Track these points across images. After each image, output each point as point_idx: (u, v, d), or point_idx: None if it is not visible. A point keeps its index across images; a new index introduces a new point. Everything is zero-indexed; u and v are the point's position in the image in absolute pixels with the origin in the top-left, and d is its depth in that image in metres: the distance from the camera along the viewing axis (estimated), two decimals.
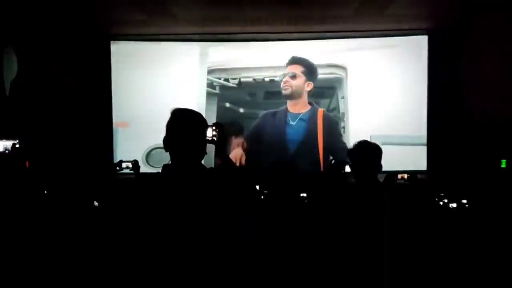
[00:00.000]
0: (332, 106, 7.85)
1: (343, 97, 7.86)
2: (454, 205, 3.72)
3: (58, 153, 5.72)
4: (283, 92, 7.69)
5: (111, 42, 6.93)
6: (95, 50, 6.75)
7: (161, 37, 6.96)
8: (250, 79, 7.86)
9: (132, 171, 3.41)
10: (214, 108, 7.72)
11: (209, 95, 7.69)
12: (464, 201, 4.14)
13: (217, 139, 1.63)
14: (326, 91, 7.89)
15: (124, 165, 3.31)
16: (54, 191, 2.93)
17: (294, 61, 7.67)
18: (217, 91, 7.78)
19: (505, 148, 6.24)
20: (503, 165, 6.54)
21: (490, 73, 6.19)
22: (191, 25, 6.66)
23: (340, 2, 5.83)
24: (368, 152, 2.14)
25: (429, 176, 6.87)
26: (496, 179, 6.04)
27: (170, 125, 1.53)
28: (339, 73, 7.84)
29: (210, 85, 7.72)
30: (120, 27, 6.69)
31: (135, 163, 3.32)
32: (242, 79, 7.85)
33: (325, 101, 7.83)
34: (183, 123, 1.52)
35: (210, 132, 1.62)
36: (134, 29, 6.70)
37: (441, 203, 4.47)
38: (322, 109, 7.65)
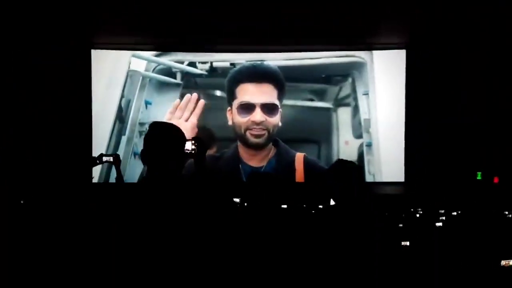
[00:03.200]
0: (342, 102, 6.61)
1: (366, 94, 6.56)
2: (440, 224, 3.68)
3: (36, 159, 5.65)
4: (254, 140, 6.24)
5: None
6: (76, 57, 6.64)
7: (142, 47, 6.82)
8: (227, 64, 6.64)
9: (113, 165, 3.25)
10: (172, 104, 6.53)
11: (164, 86, 6.54)
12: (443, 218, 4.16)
13: (195, 152, 1.65)
14: (332, 80, 6.55)
15: (104, 159, 3.13)
16: (32, 200, 2.87)
17: (267, 75, 6.35)
18: (178, 80, 6.59)
19: (480, 160, 6.42)
20: (479, 177, 6.74)
21: (466, 86, 6.39)
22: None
23: (319, 16, 5.91)
24: (348, 174, 2.00)
25: (406, 187, 6.98)
26: (472, 192, 6.22)
27: (148, 139, 1.52)
28: (361, 56, 6.64)
29: (168, 72, 6.58)
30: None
31: (116, 157, 3.13)
32: (215, 64, 6.61)
33: (329, 94, 6.52)
34: (160, 137, 1.51)
35: (189, 146, 1.62)
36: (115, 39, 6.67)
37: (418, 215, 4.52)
38: (303, 154, 6.45)
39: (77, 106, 6.66)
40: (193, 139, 1.67)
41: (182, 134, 1.58)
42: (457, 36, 6.40)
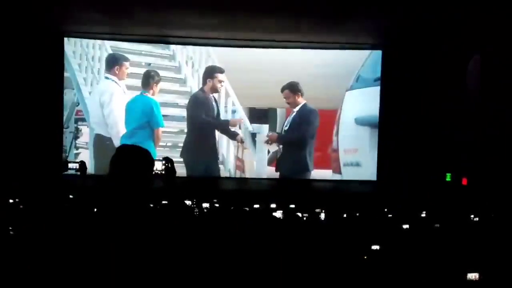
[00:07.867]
0: None
1: None
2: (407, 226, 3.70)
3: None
4: None
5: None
6: (48, 47, 6.58)
7: (116, 36, 6.85)
8: None
9: (78, 173, 3.16)
10: None
11: None
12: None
13: (165, 173, 1.69)
14: None
15: (70, 165, 3.05)
16: None
17: None
18: None
19: (450, 161, 6.54)
20: (448, 179, 6.87)
21: (440, 88, 6.48)
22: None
23: (298, 14, 5.91)
24: None
25: (378, 187, 7.07)
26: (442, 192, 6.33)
27: (115, 162, 1.53)
28: None
29: None
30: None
31: (81, 164, 3.03)
32: None
33: None
34: (127, 160, 1.53)
35: (159, 166, 1.67)
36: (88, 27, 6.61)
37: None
38: None
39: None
40: (163, 159, 1.72)
41: (150, 155, 1.60)
42: (432, 38, 6.48)
